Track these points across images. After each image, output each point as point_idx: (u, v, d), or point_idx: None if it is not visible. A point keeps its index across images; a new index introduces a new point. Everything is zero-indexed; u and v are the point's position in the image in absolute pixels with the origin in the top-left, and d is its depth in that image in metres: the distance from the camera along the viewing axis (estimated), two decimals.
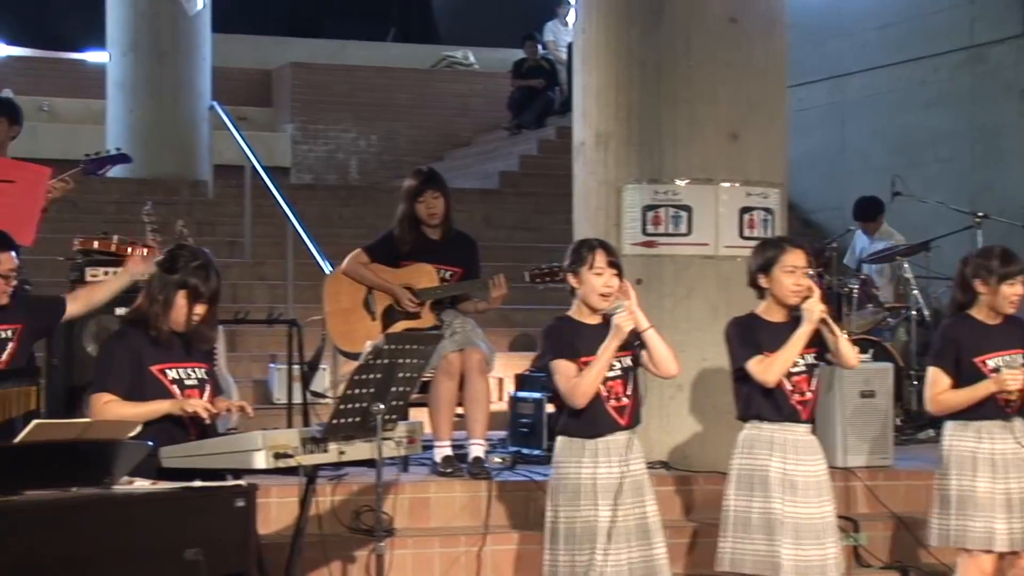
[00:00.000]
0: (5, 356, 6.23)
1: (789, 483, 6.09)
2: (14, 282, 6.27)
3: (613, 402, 6.05)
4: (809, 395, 6.19)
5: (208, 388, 5.95)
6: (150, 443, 5.29)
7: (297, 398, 8.98)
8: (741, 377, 6.19)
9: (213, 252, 6.78)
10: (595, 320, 6.10)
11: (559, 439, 6.14)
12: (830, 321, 6.14)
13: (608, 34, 8.22)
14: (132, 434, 5.16)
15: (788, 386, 6.14)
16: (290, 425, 8.97)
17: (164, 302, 5.82)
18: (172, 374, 5.83)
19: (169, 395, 5.79)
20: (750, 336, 6.16)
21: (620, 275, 6.09)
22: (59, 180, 7.59)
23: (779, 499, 6.06)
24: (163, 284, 5.84)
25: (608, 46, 8.22)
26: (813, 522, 6.09)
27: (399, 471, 7.72)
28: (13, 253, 6.24)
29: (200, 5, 14.98)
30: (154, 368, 5.81)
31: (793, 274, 6.13)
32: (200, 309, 5.86)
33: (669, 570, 6.10)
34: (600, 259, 6.04)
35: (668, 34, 8.09)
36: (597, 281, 6.04)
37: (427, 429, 7.55)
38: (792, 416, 6.14)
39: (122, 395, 5.73)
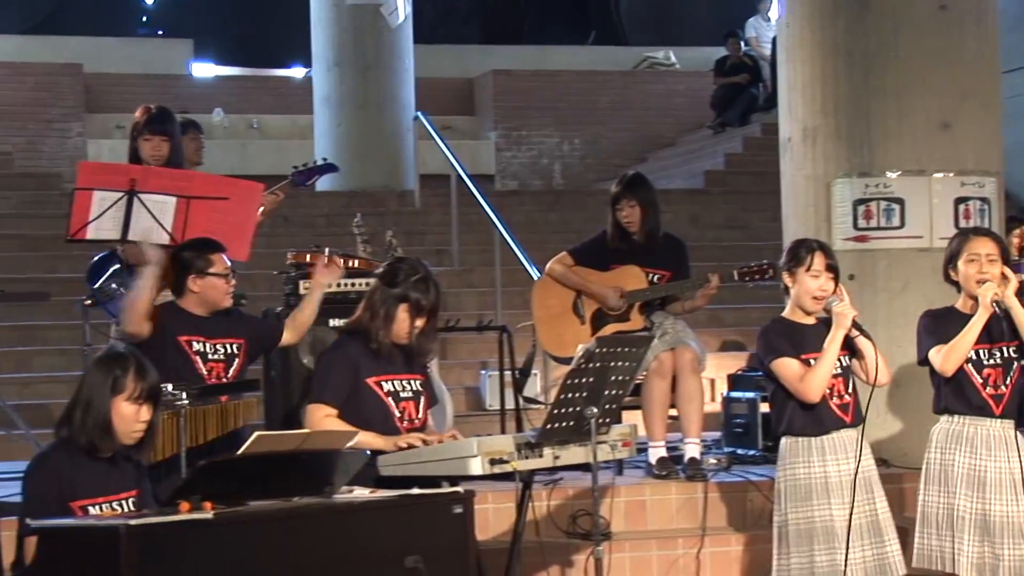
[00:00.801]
0: (232, 371, 6.33)
1: (977, 479, 5.95)
2: (234, 281, 6.39)
3: (836, 400, 6.02)
4: (1004, 389, 6.02)
5: (423, 400, 6.00)
6: (367, 452, 5.35)
7: (509, 404, 9.01)
8: (932, 370, 6.08)
9: (426, 263, 6.85)
10: (810, 320, 6.10)
11: (785, 440, 6.09)
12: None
13: (812, 27, 8.10)
14: (350, 444, 5.21)
15: (978, 379, 6.00)
16: (503, 431, 9.01)
17: (386, 316, 5.87)
18: (388, 386, 5.89)
19: (384, 407, 5.85)
20: (939, 327, 6.07)
21: (836, 278, 6.04)
22: (270, 193, 7.73)
23: (964, 495, 5.92)
24: (384, 298, 5.89)
25: (813, 39, 8.10)
26: (1003, 519, 5.93)
27: (614, 474, 7.69)
28: (223, 254, 6.37)
29: (402, 17, 15.13)
30: (370, 380, 5.87)
31: (975, 262, 6.00)
32: (421, 322, 5.91)
33: (903, 566, 5.99)
34: (818, 261, 6.02)
35: (875, 25, 7.95)
36: (813, 283, 6.01)
37: (641, 431, 7.52)
38: (983, 410, 6.00)
39: (338, 406, 5.80)
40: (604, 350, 5.76)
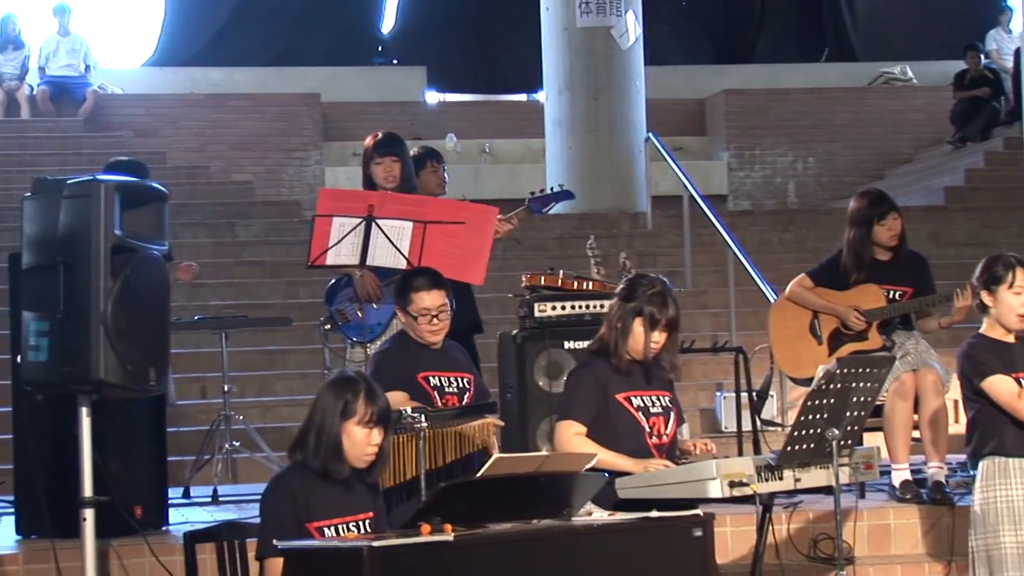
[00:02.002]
0: (466, 400, 6.34)
1: None
2: (446, 321, 6.28)
3: None
4: None
5: (672, 416, 5.96)
6: (606, 474, 5.32)
7: (746, 426, 8.91)
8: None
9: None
10: (1010, 338, 6.01)
11: (992, 460, 5.97)
12: None
13: None
14: (589, 465, 5.19)
15: None
16: (740, 453, 8.91)
17: (623, 329, 5.86)
18: (637, 401, 5.89)
19: (635, 422, 5.85)
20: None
21: None
22: (505, 220, 7.76)
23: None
24: (622, 312, 5.88)
25: None
26: None
27: (856, 497, 7.52)
28: (443, 291, 6.24)
29: (633, 39, 15.13)
30: (620, 396, 5.88)
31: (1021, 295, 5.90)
32: (659, 336, 5.87)
33: None
34: (1020, 277, 5.86)
35: None
36: (1015, 300, 5.91)
37: (883, 454, 7.36)
38: None
39: (587, 423, 5.81)
40: (845, 371, 5.65)
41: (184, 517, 8.02)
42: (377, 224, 6.82)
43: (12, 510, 7.35)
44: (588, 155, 15.14)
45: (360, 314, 6.95)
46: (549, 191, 8.40)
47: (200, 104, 17.54)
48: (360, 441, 5.04)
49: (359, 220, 6.83)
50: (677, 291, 12.96)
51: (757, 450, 8.56)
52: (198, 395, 11.18)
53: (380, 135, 7.61)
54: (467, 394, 6.33)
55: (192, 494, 8.97)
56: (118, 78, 18.04)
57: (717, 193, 17.91)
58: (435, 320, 6.20)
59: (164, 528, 7.32)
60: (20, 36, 17.24)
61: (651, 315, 5.87)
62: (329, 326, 7.73)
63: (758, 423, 8.65)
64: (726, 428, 10.26)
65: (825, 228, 14.60)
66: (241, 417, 9.39)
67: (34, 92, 16.97)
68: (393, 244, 6.83)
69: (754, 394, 8.65)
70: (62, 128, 16.27)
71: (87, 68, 17.13)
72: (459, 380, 6.34)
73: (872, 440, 7.63)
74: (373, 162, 7.49)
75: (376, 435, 5.07)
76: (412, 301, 6.21)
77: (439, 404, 6.21)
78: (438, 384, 6.23)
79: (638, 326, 5.88)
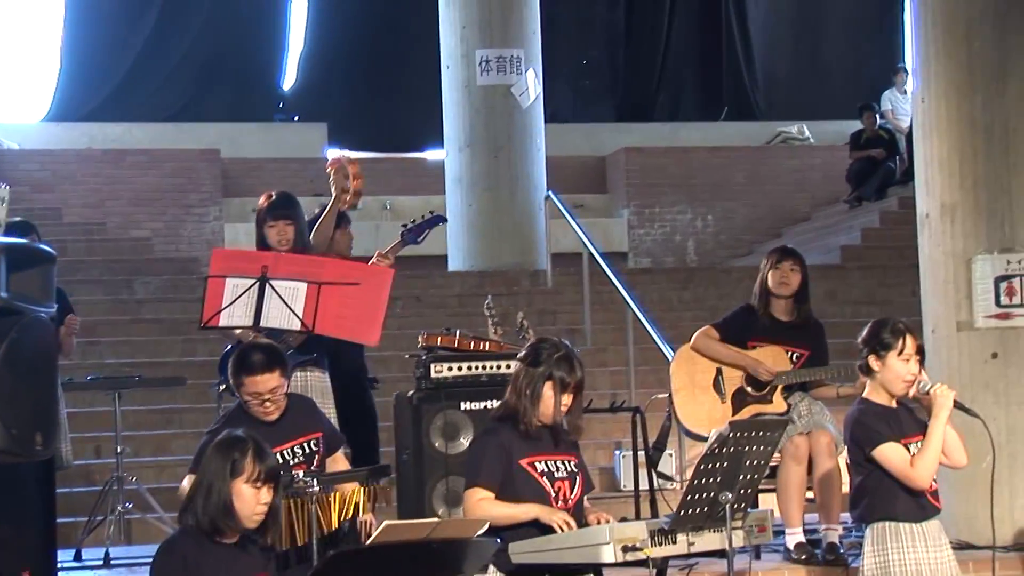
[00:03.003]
0: (314, 465, 6.25)
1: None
2: (281, 401, 6.17)
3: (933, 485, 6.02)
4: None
5: (578, 480, 5.93)
6: (498, 540, 5.28)
7: (643, 484, 8.91)
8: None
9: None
10: (893, 403, 6.08)
11: (880, 525, 6.02)
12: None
13: (949, 103, 7.98)
14: (480, 532, 5.15)
15: None
16: (637, 513, 8.90)
17: (532, 395, 5.82)
18: (541, 466, 5.83)
19: (539, 488, 5.79)
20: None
21: (922, 362, 6.03)
22: (380, 258, 7.74)
23: None
24: (530, 378, 5.85)
25: (950, 115, 7.98)
26: None
27: (751, 558, 7.54)
28: (277, 371, 6.13)
29: (533, 97, 15.19)
30: (523, 461, 5.82)
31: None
32: (567, 399, 5.86)
33: None
34: (910, 344, 5.93)
35: (1014, 100, 7.81)
36: (903, 368, 5.99)
37: (777, 515, 7.39)
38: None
39: (494, 489, 5.76)
40: (739, 435, 5.67)
41: None
42: (271, 285, 6.76)
43: None
44: (488, 212, 15.16)
45: None
46: (421, 219, 8.37)
47: (98, 159, 17.36)
48: (250, 500, 4.99)
49: (253, 281, 6.76)
50: (577, 349, 13.07)
51: (655, 509, 8.56)
52: (92, 455, 11.01)
53: (273, 196, 7.57)
54: (315, 456, 6.25)
55: (84, 556, 8.84)
56: (14, 133, 17.83)
57: (618, 250, 17.99)
58: (267, 403, 6.12)
59: None
60: None
61: (561, 379, 5.84)
62: (223, 388, 7.66)
63: (656, 481, 8.64)
64: (624, 487, 10.26)
65: (724, 286, 14.71)
66: (134, 478, 9.27)
67: None
68: (287, 305, 6.77)
69: (651, 448, 8.63)
70: None
71: None
72: (304, 446, 6.25)
73: (766, 500, 7.67)
74: (266, 225, 7.44)
75: (265, 494, 5.02)
76: (243, 383, 6.12)
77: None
78: (281, 460, 6.01)
79: (548, 391, 5.85)
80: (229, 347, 7.62)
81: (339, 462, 6.52)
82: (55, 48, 18.89)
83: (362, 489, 6.08)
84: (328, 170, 7.84)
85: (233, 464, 4.99)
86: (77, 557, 8.83)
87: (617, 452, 10.77)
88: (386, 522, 4.88)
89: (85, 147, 17.69)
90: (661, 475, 8.76)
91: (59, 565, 8.33)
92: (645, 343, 11.41)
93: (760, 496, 7.77)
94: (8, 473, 6.60)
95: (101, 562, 8.56)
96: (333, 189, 7.75)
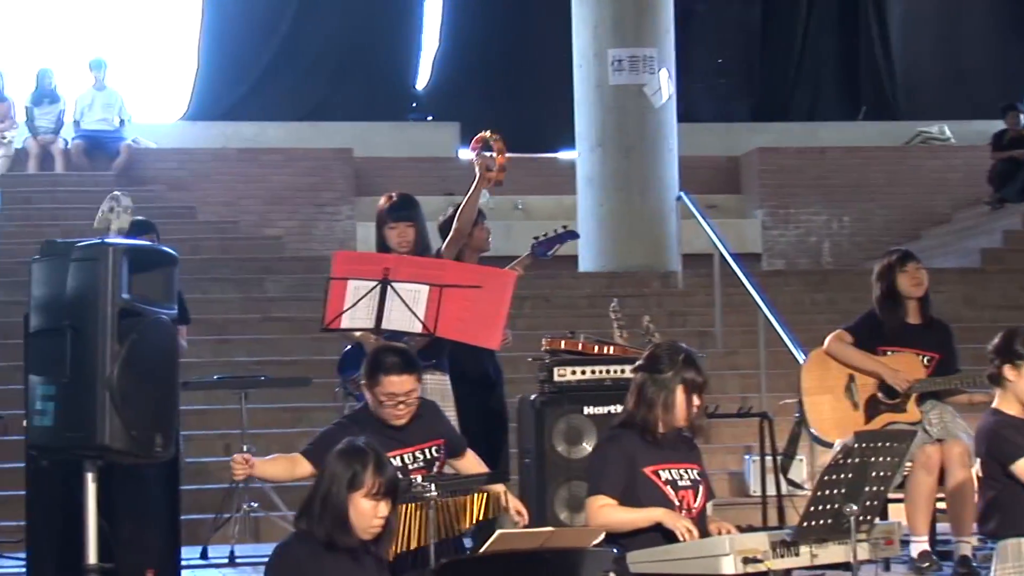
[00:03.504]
0: (435, 470, 6.17)
1: None
2: (413, 405, 6.06)
3: None
4: None
5: (701, 489, 5.84)
6: (615, 550, 5.21)
7: (771, 491, 8.79)
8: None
9: (685, 343, 6.60)
10: None
11: (1013, 543, 5.92)
12: None
13: None
14: (596, 541, 5.08)
15: None
16: (764, 520, 8.79)
17: (664, 403, 5.74)
18: (665, 475, 5.76)
19: (663, 497, 5.71)
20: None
21: None
22: (510, 268, 7.68)
23: None
24: (658, 386, 5.76)
25: None
26: None
27: (880, 569, 7.39)
28: (414, 375, 6.03)
29: (666, 97, 15.06)
30: (647, 469, 5.75)
31: None
32: (698, 400, 5.78)
33: None
34: None
35: None
36: None
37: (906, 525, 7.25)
38: None
39: (616, 496, 5.69)
40: (864, 446, 5.53)
41: None
42: (393, 287, 6.73)
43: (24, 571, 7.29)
44: (619, 213, 15.04)
45: None
46: (553, 233, 8.30)
47: (232, 158, 17.52)
48: (366, 513, 4.94)
49: (374, 283, 6.74)
50: (707, 352, 12.99)
51: (783, 517, 8.43)
52: (222, 452, 11.10)
53: (395, 197, 7.52)
54: (436, 463, 6.15)
55: (210, 554, 8.91)
56: (152, 132, 18.06)
57: (751, 252, 17.77)
58: (400, 405, 6.02)
59: None
60: (56, 90, 17.29)
61: (692, 381, 5.79)
62: (341, 391, 7.67)
63: (784, 487, 8.51)
64: (754, 492, 10.12)
65: (858, 289, 14.39)
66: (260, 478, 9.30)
67: (68, 146, 17.00)
68: (409, 308, 6.74)
69: (780, 455, 8.49)
70: (94, 182, 16.26)
71: (121, 122, 17.15)
72: (425, 452, 6.14)
73: (895, 511, 7.52)
74: (387, 226, 7.40)
75: (383, 508, 4.97)
76: (380, 383, 6.00)
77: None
78: (400, 464, 5.96)
79: (680, 395, 5.78)
80: (348, 347, 7.63)
81: (470, 460, 6.39)
82: (193, 49, 19.14)
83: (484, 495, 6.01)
84: (472, 149, 7.78)
85: (353, 476, 4.93)
86: (203, 555, 8.90)
87: (747, 457, 10.64)
88: (499, 531, 4.83)
89: (221, 146, 17.86)
90: (791, 482, 8.63)
91: (186, 563, 8.45)
92: (776, 346, 11.25)
93: (889, 506, 7.64)
94: (131, 473, 6.68)
95: (227, 560, 8.62)
96: (477, 168, 7.67)
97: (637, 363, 5.93)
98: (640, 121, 15.08)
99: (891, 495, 7.58)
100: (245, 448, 9.18)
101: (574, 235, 8.42)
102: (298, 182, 17.24)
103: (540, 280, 14.52)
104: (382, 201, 7.54)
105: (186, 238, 15.16)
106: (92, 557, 5.66)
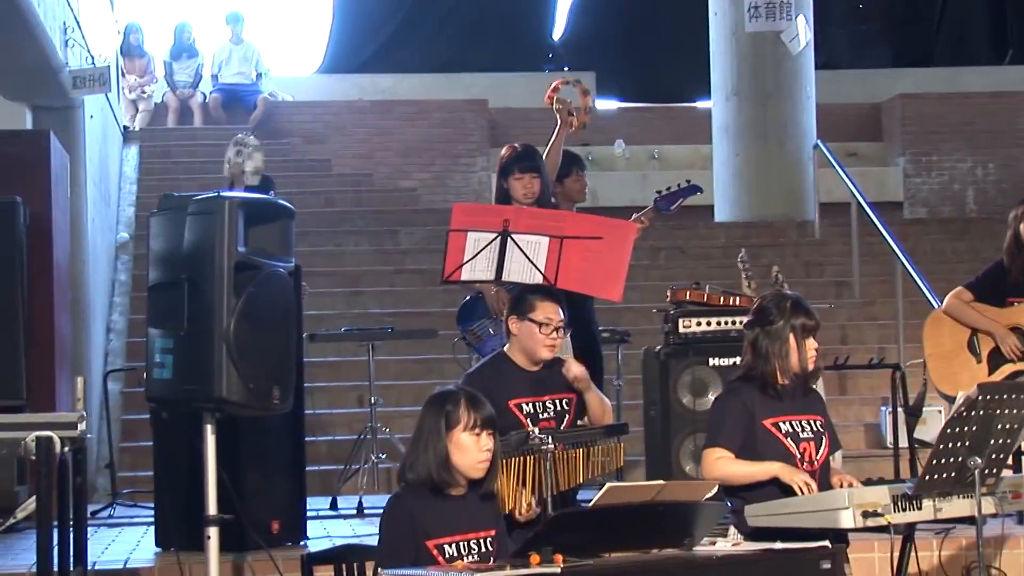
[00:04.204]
0: (565, 423, 6.14)
1: None
2: (562, 339, 6.12)
3: None
4: None
5: (824, 440, 5.74)
6: (728, 503, 5.13)
7: (904, 443, 8.64)
8: None
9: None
10: None
11: None
12: None
13: None
14: (710, 495, 5.01)
15: None
16: (896, 471, 8.65)
17: (781, 352, 5.65)
18: (786, 427, 5.66)
19: (783, 449, 5.61)
20: None
21: None
22: (633, 221, 7.58)
23: None
24: (772, 337, 5.67)
25: None
26: None
27: (1016, 522, 7.25)
28: (561, 308, 6.09)
29: (803, 44, 14.81)
30: (767, 422, 5.66)
31: None
32: (813, 344, 5.69)
33: None
34: None
35: None
36: None
37: None
38: None
39: (733, 449, 5.61)
40: (988, 397, 5.39)
41: (326, 531, 8.01)
42: (512, 239, 6.68)
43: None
44: (756, 162, 14.85)
45: (492, 331, 6.80)
46: (676, 187, 8.18)
47: (367, 111, 17.56)
48: (470, 448, 4.92)
49: (494, 235, 6.69)
50: (844, 302, 12.80)
51: (913, 470, 8.28)
52: (355, 404, 11.20)
53: (519, 148, 7.48)
54: (567, 416, 6.12)
55: (339, 505, 8.98)
56: (289, 85, 18.18)
57: (892, 200, 17.46)
58: (555, 332, 6.05)
59: (302, 543, 7.32)
60: (194, 44, 17.49)
61: (803, 326, 5.67)
62: (463, 342, 7.66)
63: (914, 444, 8.36)
64: (890, 444, 9.96)
65: (1001, 238, 13.99)
66: (387, 428, 9.37)
67: (206, 100, 17.19)
68: (529, 259, 6.68)
69: (909, 413, 8.35)
70: (231, 136, 16.44)
71: (258, 76, 17.30)
72: (556, 403, 6.12)
73: None
74: (513, 176, 7.35)
75: (485, 440, 4.94)
76: (535, 308, 6.04)
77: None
78: (531, 411, 6.00)
79: (793, 342, 5.67)
80: (468, 297, 7.62)
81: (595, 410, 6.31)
82: (328, 3, 19.21)
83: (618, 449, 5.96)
84: (548, 98, 7.73)
85: (447, 416, 4.93)
86: (333, 505, 8.98)
87: (883, 408, 10.47)
88: (608, 484, 4.78)
89: (356, 99, 17.92)
90: (919, 441, 8.48)
91: (316, 513, 8.54)
92: (915, 296, 11.06)
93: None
94: (256, 425, 6.75)
95: (355, 511, 8.68)
96: (558, 114, 7.64)
97: (748, 318, 5.83)
98: (777, 68, 14.85)
99: None
100: (373, 400, 9.26)
101: (698, 189, 8.29)
102: (433, 134, 17.25)
103: (676, 231, 14.42)
104: (505, 151, 7.50)
105: (321, 191, 15.29)
106: (212, 508, 5.71)
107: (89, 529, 8.38)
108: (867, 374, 10.83)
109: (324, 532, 7.94)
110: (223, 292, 5.51)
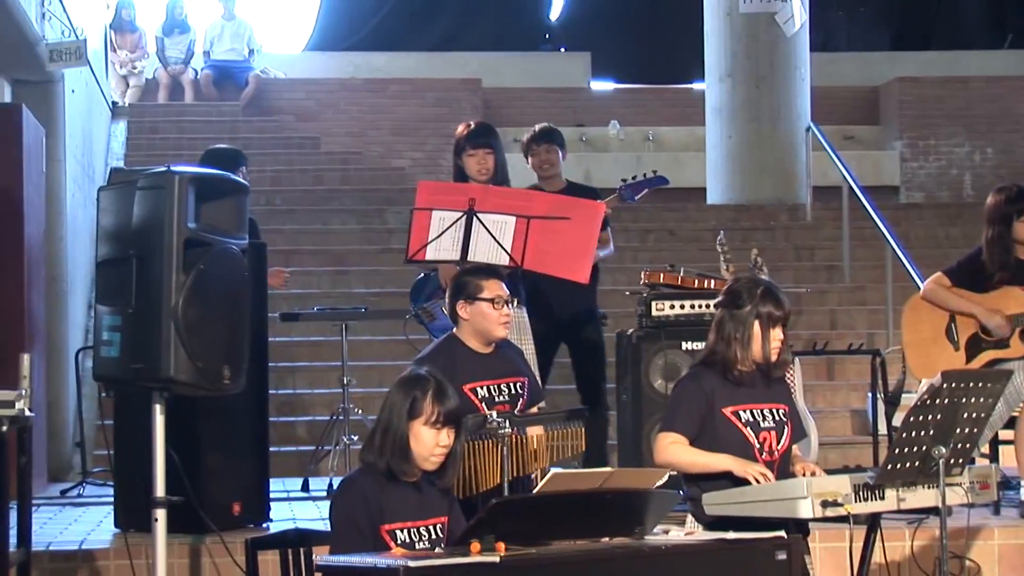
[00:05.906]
0: (519, 406, 6.04)
1: None
2: (507, 311, 6.00)
3: None
4: None
5: (786, 430, 5.60)
6: (679, 492, 5.01)
7: (885, 430, 8.52)
8: None
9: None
10: None
11: None
12: None
13: None
14: (660, 483, 4.88)
15: None
16: (876, 459, 8.54)
17: (742, 338, 5.52)
18: (746, 416, 5.52)
19: (741, 438, 5.49)
20: None
21: None
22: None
23: None
24: (736, 321, 5.55)
25: None
26: None
27: (991, 513, 7.13)
28: (500, 283, 6.00)
29: (798, 25, 14.65)
30: (727, 410, 5.53)
31: None
32: (779, 334, 5.55)
33: None
34: None
35: None
36: None
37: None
38: None
39: (688, 435, 5.48)
40: (953, 386, 5.26)
41: (292, 512, 7.89)
42: (479, 218, 6.56)
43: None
44: (749, 144, 14.69)
45: (445, 310, 6.66)
46: (642, 177, 8.05)
47: (360, 89, 17.41)
48: (427, 442, 4.82)
49: (460, 214, 6.57)
50: (834, 287, 12.66)
51: None
52: (336, 384, 11.05)
53: (472, 125, 7.38)
54: (520, 400, 6.01)
55: (312, 486, 8.87)
56: (282, 63, 18.05)
57: (889, 184, 17.35)
58: (506, 307, 5.96)
59: (264, 524, 7.20)
60: (186, 20, 17.34)
61: (769, 315, 5.53)
62: (412, 318, 7.57)
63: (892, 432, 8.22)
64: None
65: None
66: (359, 410, 9.26)
67: (198, 76, 17.05)
68: (495, 239, 6.57)
69: (886, 400, 8.23)
70: (222, 112, 16.32)
71: (251, 52, 17.15)
72: (510, 387, 6.01)
73: (1006, 454, 7.25)
74: (465, 153, 7.25)
75: (444, 436, 4.84)
76: (482, 288, 5.95)
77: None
78: (486, 395, 5.91)
79: (757, 329, 5.54)
80: (421, 275, 7.51)
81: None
82: None
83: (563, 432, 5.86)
84: None
85: (412, 404, 4.84)
86: (304, 487, 8.87)
87: (871, 394, 10.33)
88: (553, 470, 4.66)
89: (349, 76, 17.77)
90: (896, 430, 8.35)
91: (288, 495, 8.43)
92: (905, 281, 10.92)
93: (1000, 449, 7.36)
94: (215, 404, 6.61)
95: (325, 494, 8.56)
96: None
97: (717, 299, 5.70)
98: (771, 50, 14.70)
99: (1002, 436, 7.32)
100: (345, 381, 9.14)
101: (663, 180, 8.13)
102: (426, 113, 17.10)
103: (665, 212, 14.30)
104: (460, 129, 7.39)
105: (309, 168, 15.16)
106: (160, 490, 5.58)
107: (55, 508, 8.39)
108: (855, 360, 10.70)
109: (291, 514, 7.82)
110: (172, 269, 5.37)
